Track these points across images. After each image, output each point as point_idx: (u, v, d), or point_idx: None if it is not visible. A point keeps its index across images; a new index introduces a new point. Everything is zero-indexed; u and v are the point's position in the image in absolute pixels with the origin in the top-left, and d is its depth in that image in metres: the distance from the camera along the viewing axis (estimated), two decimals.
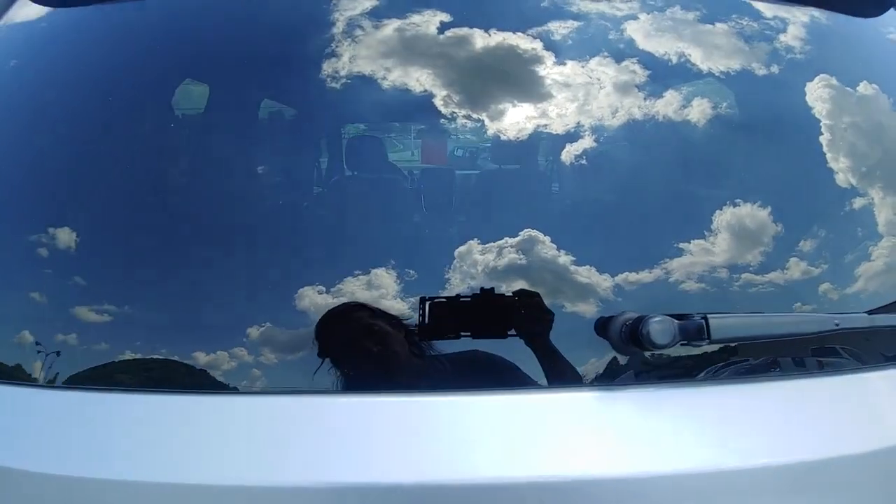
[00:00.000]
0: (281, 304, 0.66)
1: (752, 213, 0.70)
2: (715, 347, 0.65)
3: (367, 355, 0.65)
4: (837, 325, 0.65)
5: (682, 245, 0.68)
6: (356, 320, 0.65)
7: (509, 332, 0.64)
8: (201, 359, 0.63)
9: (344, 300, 0.64)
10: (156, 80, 0.81)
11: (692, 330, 0.61)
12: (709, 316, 0.61)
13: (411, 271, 0.65)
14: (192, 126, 0.91)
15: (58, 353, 0.65)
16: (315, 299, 0.64)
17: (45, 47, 0.86)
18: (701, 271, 0.67)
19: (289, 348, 0.64)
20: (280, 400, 0.61)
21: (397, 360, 0.65)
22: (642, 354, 0.63)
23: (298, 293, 0.64)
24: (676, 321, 0.61)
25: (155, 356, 0.65)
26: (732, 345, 0.65)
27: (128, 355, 0.64)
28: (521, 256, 0.65)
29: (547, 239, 0.66)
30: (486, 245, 0.65)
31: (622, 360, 0.63)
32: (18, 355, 0.66)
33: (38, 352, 0.66)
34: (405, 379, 0.65)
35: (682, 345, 0.62)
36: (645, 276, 0.66)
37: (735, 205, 0.69)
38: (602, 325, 0.64)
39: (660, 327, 0.59)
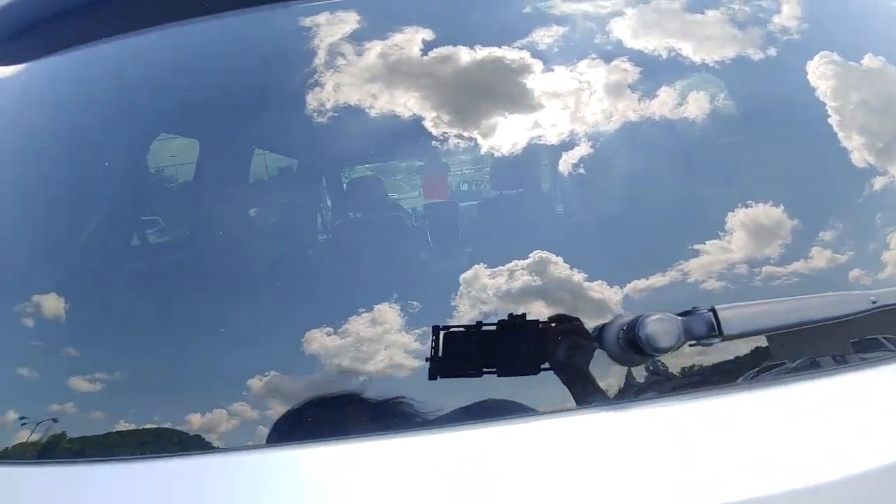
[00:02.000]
0: (290, 353, 0.62)
1: (765, 207, 0.64)
2: (735, 345, 0.55)
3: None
4: (874, 301, 0.56)
5: (696, 246, 0.61)
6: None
7: (541, 366, 0.55)
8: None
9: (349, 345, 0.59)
10: (134, 138, 0.79)
11: (699, 326, 0.52)
12: (717, 308, 0.52)
13: (421, 306, 0.61)
14: (184, 184, 0.90)
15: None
16: (324, 342, 0.61)
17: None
18: (720, 270, 0.60)
19: (297, 398, 0.60)
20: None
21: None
22: (650, 361, 0.54)
23: (306, 339, 0.61)
24: (679, 318, 0.52)
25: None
26: (756, 340, 0.55)
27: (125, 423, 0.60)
28: (535, 278, 0.60)
29: (560, 259, 0.60)
30: (496, 269, 0.62)
31: (631, 371, 0.54)
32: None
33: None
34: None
35: (690, 346, 0.53)
36: (660, 281, 0.60)
37: (747, 199, 0.63)
38: (599, 334, 0.55)
39: (661, 327, 0.50)
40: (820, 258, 0.63)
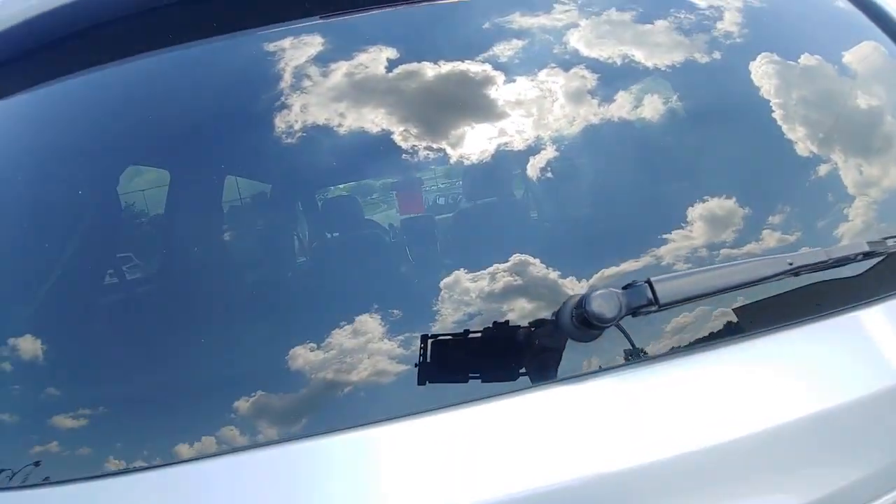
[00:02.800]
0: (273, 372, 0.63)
1: (720, 199, 0.69)
2: (685, 312, 0.62)
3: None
4: (791, 263, 0.62)
5: (664, 236, 0.66)
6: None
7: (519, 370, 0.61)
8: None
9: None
10: (103, 170, 0.80)
11: (638, 297, 0.57)
12: (652, 279, 0.58)
13: (404, 315, 0.63)
14: (158, 216, 0.90)
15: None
16: (308, 357, 0.62)
17: None
18: (685, 257, 0.66)
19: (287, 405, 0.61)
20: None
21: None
22: (599, 334, 0.59)
23: (290, 355, 0.62)
24: (620, 291, 0.58)
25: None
26: (705, 306, 0.62)
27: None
28: (516, 278, 0.64)
29: (536, 260, 0.64)
30: (475, 273, 0.64)
31: (597, 344, 0.60)
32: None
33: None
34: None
35: (633, 316, 0.58)
36: (627, 268, 0.65)
37: (704, 192, 0.68)
38: (556, 319, 0.60)
39: (603, 301, 0.56)
40: (770, 240, 0.69)
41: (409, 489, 0.55)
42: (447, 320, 0.63)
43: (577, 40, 0.76)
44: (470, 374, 0.62)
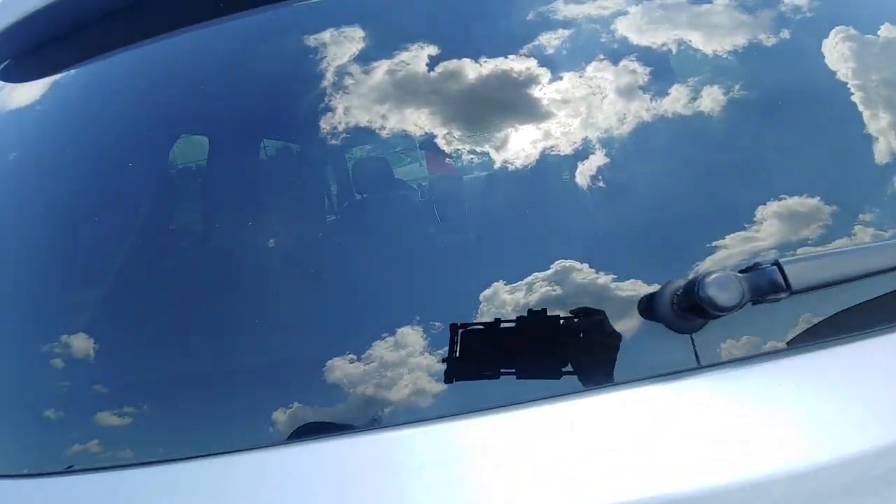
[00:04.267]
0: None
1: (798, 199, 0.59)
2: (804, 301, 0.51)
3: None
4: None
5: (718, 243, 0.58)
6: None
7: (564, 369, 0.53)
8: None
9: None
10: (155, 144, 0.79)
11: (764, 282, 0.48)
12: (781, 261, 0.49)
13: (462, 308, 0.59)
14: (198, 179, 0.90)
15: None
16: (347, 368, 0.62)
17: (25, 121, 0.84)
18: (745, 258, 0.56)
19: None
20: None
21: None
22: (704, 325, 0.50)
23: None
24: (741, 275, 0.49)
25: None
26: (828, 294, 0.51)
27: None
28: (555, 287, 0.60)
29: (585, 265, 0.57)
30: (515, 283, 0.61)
31: (686, 338, 0.51)
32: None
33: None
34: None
35: (753, 304, 0.49)
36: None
37: (771, 190, 0.59)
38: (647, 306, 0.52)
39: (721, 286, 0.47)
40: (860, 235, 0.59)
41: (487, 492, 0.49)
42: (508, 309, 0.56)
43: (626, 28, 0.69)
44: (541, 370, 0.54)
